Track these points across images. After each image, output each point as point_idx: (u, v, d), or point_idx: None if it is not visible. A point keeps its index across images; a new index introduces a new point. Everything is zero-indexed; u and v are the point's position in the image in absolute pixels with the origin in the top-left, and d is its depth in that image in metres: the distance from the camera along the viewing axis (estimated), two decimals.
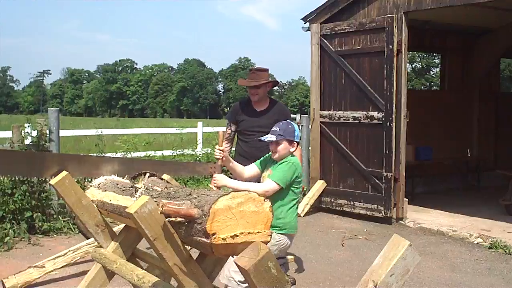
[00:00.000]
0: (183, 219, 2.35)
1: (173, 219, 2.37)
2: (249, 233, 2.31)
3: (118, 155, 9.45)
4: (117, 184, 3.22)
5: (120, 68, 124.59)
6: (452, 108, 10.15)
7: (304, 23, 8.30)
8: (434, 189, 9.73)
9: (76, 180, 3.36)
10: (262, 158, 3.81)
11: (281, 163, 3.54)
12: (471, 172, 10.42)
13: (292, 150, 3.58)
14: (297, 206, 3.71)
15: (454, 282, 5.11)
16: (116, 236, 3.31)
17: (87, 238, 5.04)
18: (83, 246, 4.95)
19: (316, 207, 8.14)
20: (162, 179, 3.22)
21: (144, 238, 2.54)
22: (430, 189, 9.68)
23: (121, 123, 36.99)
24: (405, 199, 7.49)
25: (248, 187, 3.34)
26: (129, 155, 9.73)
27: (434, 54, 34.82)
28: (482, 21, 9.53)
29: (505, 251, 6.08)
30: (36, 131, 6.96)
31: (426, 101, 9.91)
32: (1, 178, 6.36)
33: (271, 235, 2.39)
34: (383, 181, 7.41)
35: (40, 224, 6.40)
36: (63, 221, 6.65)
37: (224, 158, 3.65)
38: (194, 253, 2.67)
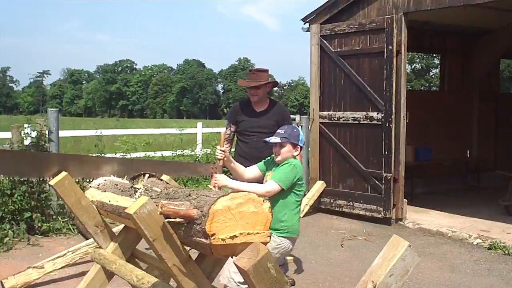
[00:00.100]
0: (182, 219, 2.35)
1: (173, 219, 2.37)
2: (248, 233, 2.31)
3: (118, 155, 9.44)
4: (117, 185, 3.22)
5: (119, 69, 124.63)
6: (452, 108, 10.15)
7: (304, 24, 8.31)
8: (434, 189, 9.72)
9: (75, 180, 3.36)
10: (264, 160, 3.82)
11: (283, 164, 3.56)
12: (470, 173, 10.42)
13: (295, 154, 3.61)
14: (300, 209, 3.72)
15: (453, 282, 5.11)
16: (115, 236, 3.31)
17: (87, 239, 5.04)
18: (82, 247, 4.95)
19: (316, 208, 8.14)
20: (161, 179, 3.22)
21: (144, 239, 2.54)
22: (430, 189, 9.68)
23: (120, 124, 37.07)
24: (404, 199, 7.49)
25: (249, 187, 3.35)
26: (128, 156, 9.72)
27: (434, 55, 34.84)
28: (482, 22, 9.53)
29: (505, 252, 6.08)
30: (35, 131, 6.95)
31: (425, 102, 9.91)
32: (1, 179, 6.35)
33: (270, 236, 2.39)
34: (383, 181, 7.41)
35: (39, 225, 6.40)
36: (63, 221, 6.65)
37: (225, 158, 3.67)
38: (194, 254, 2.67)
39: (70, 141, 15.17)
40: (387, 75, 7.29)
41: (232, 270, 3.31)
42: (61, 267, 4.84)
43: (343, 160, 7.93)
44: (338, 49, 7.91)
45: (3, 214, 6.25)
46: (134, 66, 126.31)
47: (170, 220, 2.38)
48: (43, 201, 6.57)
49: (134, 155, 10.04)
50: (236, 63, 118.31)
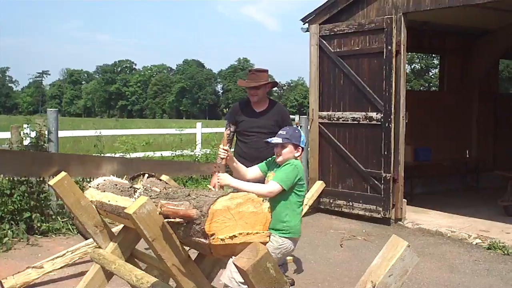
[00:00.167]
0: (181, 219, 2.35)
1: (172, 219, 2.37)
2: (247, 233, 2.31)
3: (117, 155, 9.43)
4: (116, 185, 3.22)
5: (119, 69, 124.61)
6: (451, 109, 10.15)
7: (303, 24, 8.30)
8: (433, 190, 9.73)
9: (75, 180, 3.36)
10: (265, 161, 3.84)
11: (284, 165, 3.58)
12: (470, 173, 10.43)
13: (296, 154, 3.63)
14: (301, 210, 3.72)
15: (452, 282, 5.11)
16: (114, 236, 3.31)
17: (86, 239, 5.04)
18: (81, 247, 4.95)
19: (315, 208, 8.14)
20: (160, 179, 3.22)
21: (143, 239, 2.54)
22: (429, 190, 9.68)
23: (120, 124, 37.02)
24: (404, 200, 7.49)
25: (251, 187, 3.36)
26: (128, 156, 9.72)
27: (433, 55, 34.84)
28: (481, 22, 9.53)
29: (504, 252, 6.09)
30: (35, 131, 6.94)
31: (425, 102, 9.91)
32: (0, 179, 6.35)
33: (269, 236, 2.39)
34: (382, 182, 7.41)
35: (38, 225, 6.39)
36: (62, 221, 6.64)
37: (228, 158, 3.68)
38: (193, 254, 2.67)
39: (70, 141, 15.15)
40: (386, 75, 7.29)
41: (233, 270, 3.31)
42: (61, 267, 4.83)
43: (343, 160, 7.93)
44: (338, 49, 7.91)
45: (3, 214, 6.24)
46: (134, 66, 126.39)
47: (169, 220, 2.38)
48: (43, 201, 6.57)
49: (134, 155, 10.04)
50: (236, 63, 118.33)
